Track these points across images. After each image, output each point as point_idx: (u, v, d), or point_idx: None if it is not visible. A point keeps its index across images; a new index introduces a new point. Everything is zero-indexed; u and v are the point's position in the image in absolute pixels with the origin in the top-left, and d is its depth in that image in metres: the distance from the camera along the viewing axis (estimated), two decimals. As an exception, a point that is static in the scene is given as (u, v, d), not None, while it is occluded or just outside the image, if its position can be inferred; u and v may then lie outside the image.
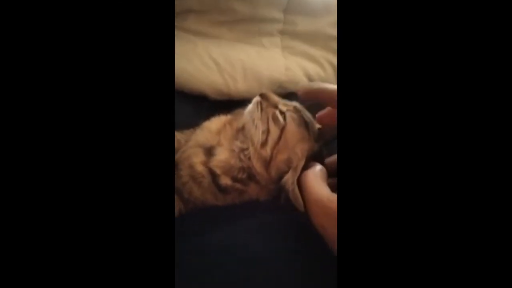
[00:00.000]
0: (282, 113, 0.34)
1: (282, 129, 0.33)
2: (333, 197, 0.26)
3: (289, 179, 0.30)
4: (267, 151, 0.33)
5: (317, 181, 0.28)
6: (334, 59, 0.57)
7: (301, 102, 0.35)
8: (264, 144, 0.33)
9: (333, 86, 0.29)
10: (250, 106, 0.37)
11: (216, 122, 0.38)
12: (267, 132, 0.33)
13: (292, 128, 0.33)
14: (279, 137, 0.33)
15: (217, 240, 0.30)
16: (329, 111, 0.32)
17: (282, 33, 0.57)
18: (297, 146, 0.33)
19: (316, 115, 0.33)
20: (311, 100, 0.33)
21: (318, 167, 0.30)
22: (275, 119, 0.34)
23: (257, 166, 0.33)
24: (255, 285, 0.27)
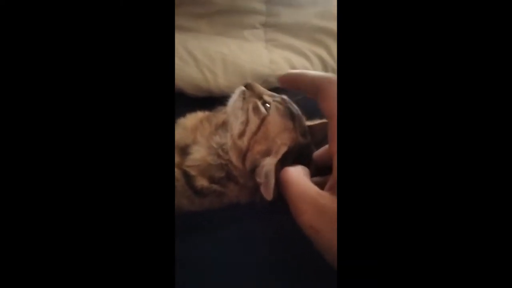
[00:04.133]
0: (265, 103, 0.33)
1: (263, 120, 0.31)
2: (325, 193, 0.23)
3: (267, 164, 0.28)
4: (244, 142, 0.31)
5: (301, 176, 0.25)
6: (321, 52, 0.55)
7: (282, 89, 0.33)
8: (241, 134, 0.31)
9: (315, 72, 0.27)
10: (233, 96, 0.35)
11: (191, 119, 0.36)
12: (246, 122, 0.31)
13: (275, 118, 0.31)
14: (258, 128, 0.31)
15: (195, 252, 0.27)
16: (324, 150, 0.30)
17: (265, 25, 0.55)
18: (278, 136, 0.30)
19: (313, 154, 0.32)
20: (291, 87, 0.30)
21: (298, 166, 0.27)
22: (255, 109, 0.32)
23: (234, 159, 0.31)
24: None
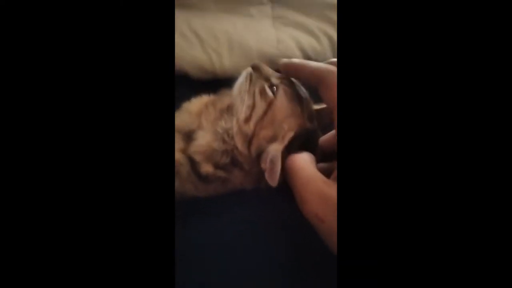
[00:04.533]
0: (273, 86, 0.32)
1: (270, 104, 0.30)
2: (330, 182, 0.23)
3: (272, 150, 0.28)
4: (250, 127, 0.30)
5: (307, 163, 0.25)
6: (330, 30, 0.53)
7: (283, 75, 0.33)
8: (248, 119, 0.30)
9: (317, 64, 0.27)
10: (240, 78, 0.34)
11: (196, 103, 0.35)
12: (253, 106, 0.31)
13: (282, 102, 0.31)
14: (265, 112, 0.30)
15: (200, 236, 0.28)
16: (331, 135, 0.30)
17: (273, 1, 0.53)
18: (285, 121, 0.30)
19: (319, 140, 0.32)
20: (291, 75, 0.31)
21: (305, 153, 0.27)
22: (262, 92, 0.31)
23: (239, 144, 0.30)
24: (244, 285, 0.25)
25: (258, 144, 0.30)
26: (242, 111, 0.31)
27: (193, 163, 0.31)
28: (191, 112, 0.34)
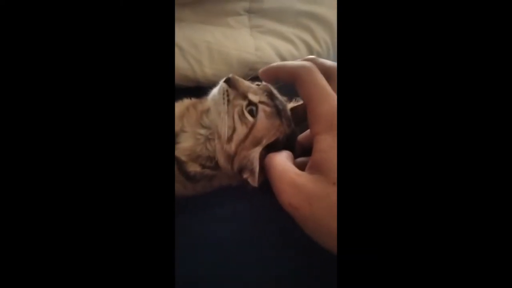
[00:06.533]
0: (251, 104, 0.32)
1: (251, 128, 0.32)
2: (302, 173, 0.25)
3: (255, 154, 0.30)
4: (231, 148, 0.31)
5: (282, 159, 0.27)
6: (306, 36, 0.57)
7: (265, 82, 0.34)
8: (229, 139, 0.32)
9: (292, 63, 0.29)
10: (215, 92, 0.34)
11: (178, 106, 0.37)
12: (233, 129, 0.32)
13: (262, 122, 0.32)
14: (246, 136, 0.31)
15: (191, 234, 0.29)
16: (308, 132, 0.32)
17: (249, 11, 0.56)
18: (265, 136, 0.31)
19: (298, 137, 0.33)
20: (272, 80, 0.31)
21: (283, 151, 0.29)
22: (241, 116, 0.32)
23: (221, 161, 0.32)
24: (235, 278, 0.27)
25: (240, 162, 0.32)
26: (223, 131, 0.32)
27: (179, 163, 0.32)
28: (175, 115, 0.36)
